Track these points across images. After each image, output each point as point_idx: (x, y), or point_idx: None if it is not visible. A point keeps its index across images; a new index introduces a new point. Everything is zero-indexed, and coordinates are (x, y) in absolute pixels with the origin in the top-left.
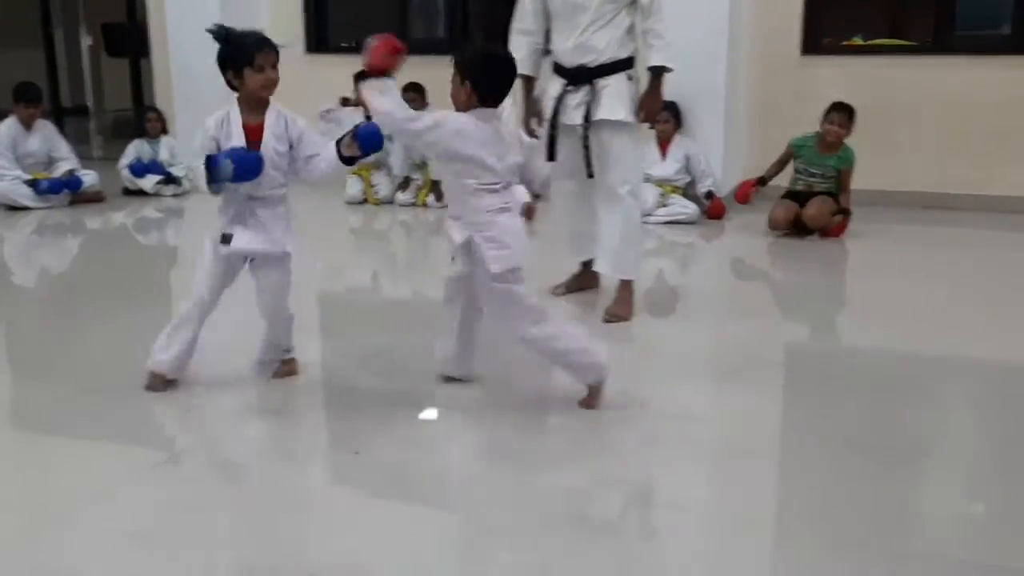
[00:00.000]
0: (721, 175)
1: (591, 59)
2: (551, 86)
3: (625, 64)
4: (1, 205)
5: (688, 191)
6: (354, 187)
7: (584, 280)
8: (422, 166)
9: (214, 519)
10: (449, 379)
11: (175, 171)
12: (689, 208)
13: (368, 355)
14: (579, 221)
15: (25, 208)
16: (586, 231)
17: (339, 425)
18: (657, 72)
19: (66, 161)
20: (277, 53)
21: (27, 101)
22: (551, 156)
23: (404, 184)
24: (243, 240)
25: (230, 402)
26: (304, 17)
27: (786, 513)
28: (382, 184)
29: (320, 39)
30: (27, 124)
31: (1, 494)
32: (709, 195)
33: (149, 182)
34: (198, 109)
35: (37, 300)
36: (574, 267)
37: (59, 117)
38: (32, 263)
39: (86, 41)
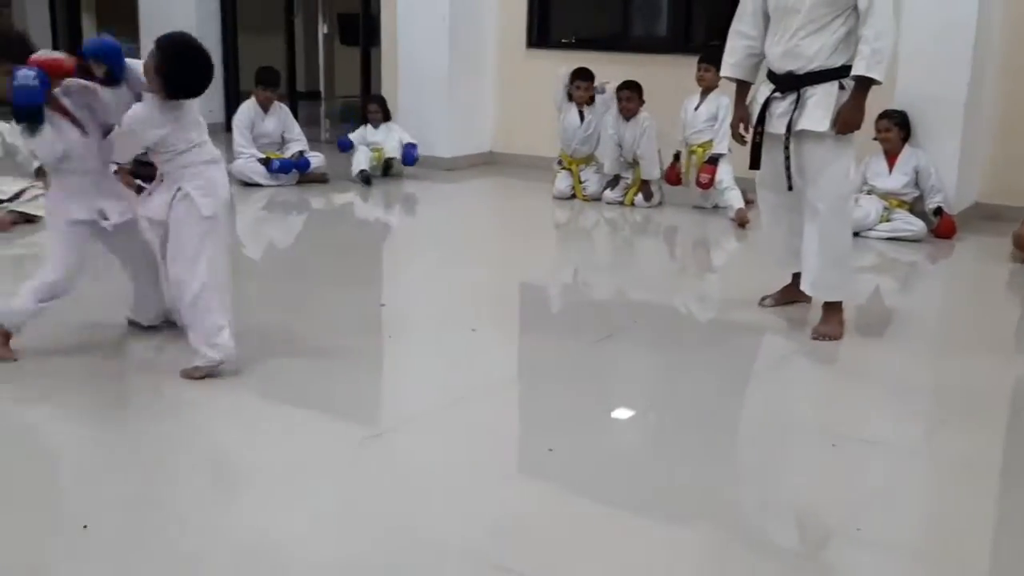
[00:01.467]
0: (954, 192)
1: (799, 66)
2: (760, 92)
3: (838, 73)
4: (237, 181)
5: (915, 206)
6: (563, 182)
7: (794, 292)
8: (633, 165)
9: (408, 502)
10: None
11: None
12: (915, 225)
13: (562, 354)
14: (785, 232)
15: (257, 185)
16: (792, 243)
17: (529, 421)
18: (860, 83)
19: (297, 143)
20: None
21: (266, 84)
22: (755, 164)
23: (613, 182)
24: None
25: (433, 384)
26: (527, 12)
27: (1000, 568)
28: (591, 181)
29: (541, 34)
30: (265, 106)
31: (216, 455)
32: (938, 212)
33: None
34: (420, 97)
35: (262, 271)
36: (787, 277)
37: (294, 100)
38: (261, 237)
39: (323, 30)
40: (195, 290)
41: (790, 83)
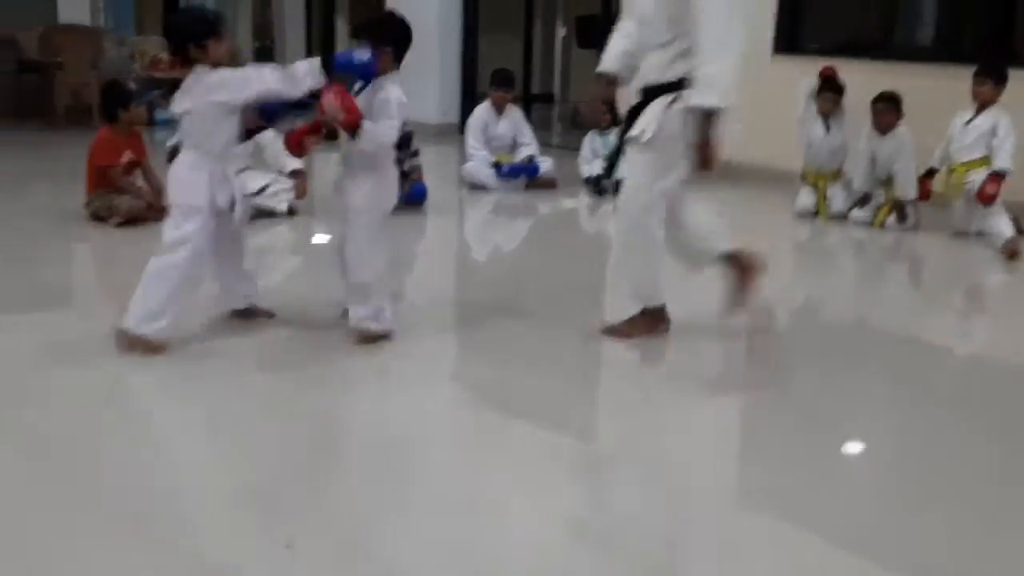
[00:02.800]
0: None
1: (644, 77)
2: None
3: (673, 87)
4: (466, 183)
5: None
6: (806, 198)
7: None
8: (886, 183)
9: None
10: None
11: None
12: None
13: (793, 383)
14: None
15: (486, 188)
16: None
17: (752, 453)
18: (703, 113)
19: (527, 147)
20: None
21: (500, 85)
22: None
23: (863, 200)
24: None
25: (652, 406)
26: (776, 15)
27: None
28: (837, 198)
29: (790, 39)
30: (499, 108)
31: (435, 468)
32: None
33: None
34: None
35: (485, 275)
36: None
37: (528, 103)
38: (486, 241)
39: (561, 32)
40: (376, 271)
41: (643, 95)
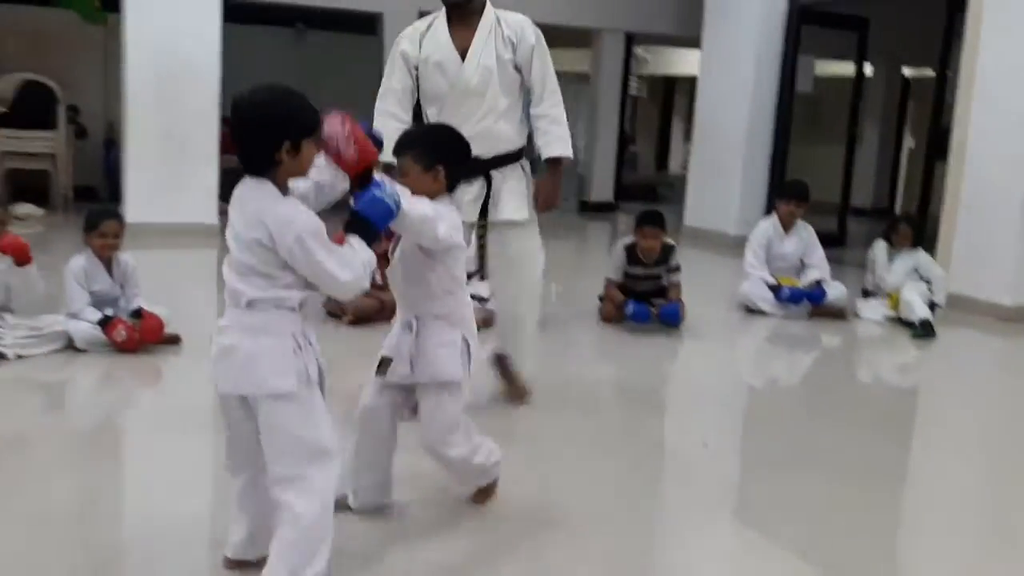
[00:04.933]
0: None
1: (487, 149)
2: None
3: (520, 154)
4: (741, 306)
5: None
6: None
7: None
8: None
9: None
10: None
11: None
12: None
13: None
14: None
15: (762, 312)
16: None
17: None
18: (556, 163)
19: (815, 270)
20: None
21: (791, 197)
22: None
23: None
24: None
25: None
26: None
27: None
28: None
29: None
30: (786, 224)
31: None
32: None
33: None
34: (984, 223)
35: (757, 411)
36: None
37: (843, 217)
38: (761, 372)
39: (909, 143)
40: (465, 453)
41: (475, 168)
